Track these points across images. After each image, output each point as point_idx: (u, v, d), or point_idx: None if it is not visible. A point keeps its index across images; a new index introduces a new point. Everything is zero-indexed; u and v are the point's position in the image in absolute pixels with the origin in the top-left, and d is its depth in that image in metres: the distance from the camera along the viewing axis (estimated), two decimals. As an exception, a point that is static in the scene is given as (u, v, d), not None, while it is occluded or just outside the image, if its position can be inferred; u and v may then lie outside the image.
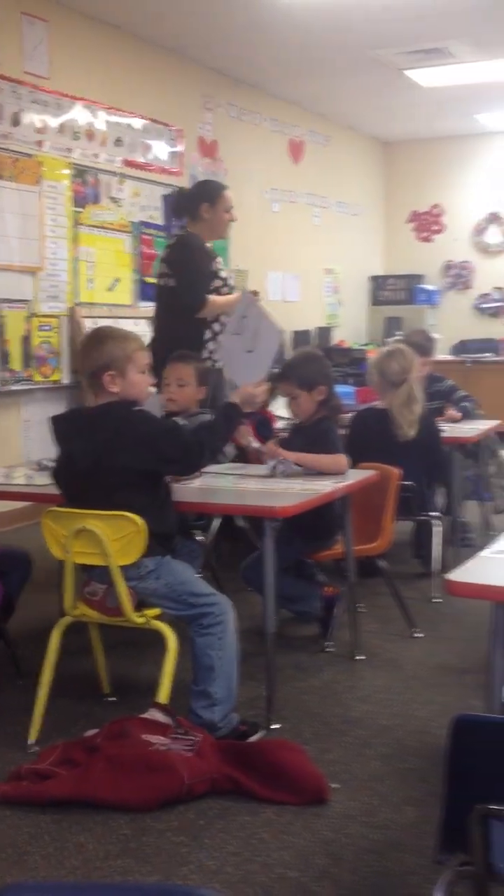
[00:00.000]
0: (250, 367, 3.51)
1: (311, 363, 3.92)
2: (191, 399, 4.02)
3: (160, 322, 4.90)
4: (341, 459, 3.68)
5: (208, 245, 4.86)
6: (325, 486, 3.36)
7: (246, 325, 3.61)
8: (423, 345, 5.30)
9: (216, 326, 4.68)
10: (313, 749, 2.94)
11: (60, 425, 3.12)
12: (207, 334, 4.68)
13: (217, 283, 4.74)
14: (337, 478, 3.53)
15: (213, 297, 4.64)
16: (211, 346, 4.67)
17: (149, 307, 6.94)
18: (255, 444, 3.81)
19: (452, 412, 5.37)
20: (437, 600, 4.49)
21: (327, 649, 3.84)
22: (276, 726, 3.10)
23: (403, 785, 2.76)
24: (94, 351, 3.07)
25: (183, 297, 4.67)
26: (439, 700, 3.36)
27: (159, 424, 3.14)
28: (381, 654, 3.81)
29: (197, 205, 4.80)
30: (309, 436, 3.79)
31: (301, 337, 8.84)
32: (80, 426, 3.07)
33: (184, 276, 4.71)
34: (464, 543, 5.26)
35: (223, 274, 4.81)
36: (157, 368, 4.03)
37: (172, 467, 3.11)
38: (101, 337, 3.11)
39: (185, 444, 3.04)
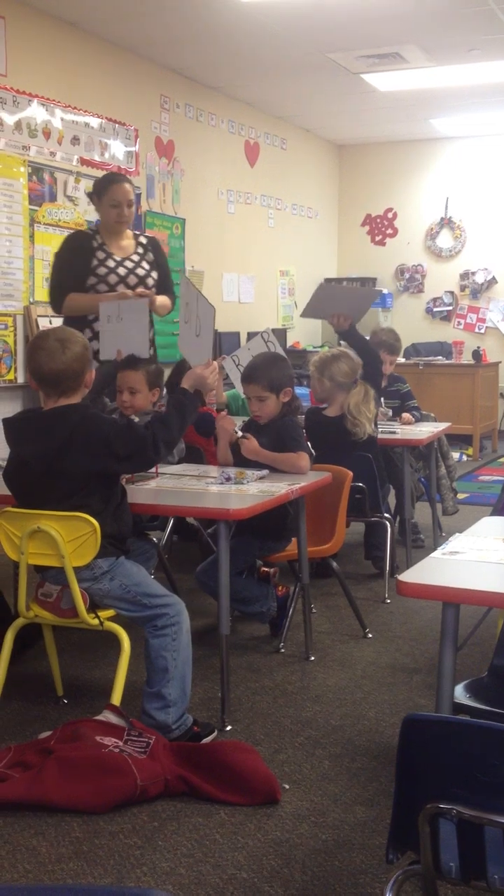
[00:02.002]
0: (199, 351, 3.52)
1: (278, 366, 3.91)
2: (144, 404, 4.02)
3: None
4: (303, 459, 3.71)
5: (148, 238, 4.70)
6: (279, 489, 3.38)
7: (191, 312, 3.61)
8: (392, 344, 5.51)
9: (97, 326, 4.27)
10: (265, 750, 2.96)
11: (13, 427, 3.08)
12: (87, 333, 4.39)
13: (92, 280, 4.48)
14: (292, 479, 3.55)
15: (71, 296, 4.45)
16: (94, 345, 4.13)
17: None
18: (240, 433, 3.81)
19: (409, 416, 5.47)
20: (388, 601, 4.54)
21: (280, 650, 3.87)
22: (230, 727, 3.12)
23: (354, 785, 2.79)
24: (69, 353, 2.99)
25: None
26: (389, 700, 3.40)
27: (113, 424, 3.11)
28: (332, 655, 3.85)
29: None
30: (273, 434, 3.80)
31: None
32: (35, 428, 3.04)
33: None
34: (414, 545, 5.34)
35: (102, 271, 4.50)
36: None
37: (127, 465, 3.07)
38: (71, 339, 3.03)
39: (138, 439, 3.00)
